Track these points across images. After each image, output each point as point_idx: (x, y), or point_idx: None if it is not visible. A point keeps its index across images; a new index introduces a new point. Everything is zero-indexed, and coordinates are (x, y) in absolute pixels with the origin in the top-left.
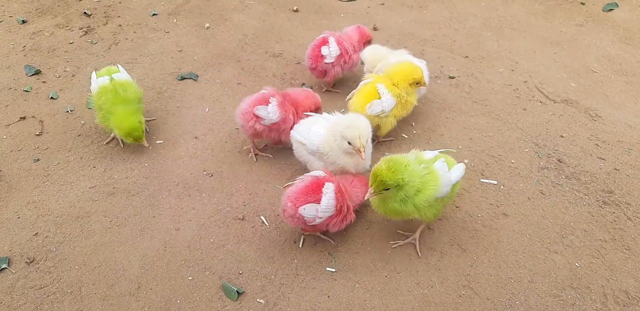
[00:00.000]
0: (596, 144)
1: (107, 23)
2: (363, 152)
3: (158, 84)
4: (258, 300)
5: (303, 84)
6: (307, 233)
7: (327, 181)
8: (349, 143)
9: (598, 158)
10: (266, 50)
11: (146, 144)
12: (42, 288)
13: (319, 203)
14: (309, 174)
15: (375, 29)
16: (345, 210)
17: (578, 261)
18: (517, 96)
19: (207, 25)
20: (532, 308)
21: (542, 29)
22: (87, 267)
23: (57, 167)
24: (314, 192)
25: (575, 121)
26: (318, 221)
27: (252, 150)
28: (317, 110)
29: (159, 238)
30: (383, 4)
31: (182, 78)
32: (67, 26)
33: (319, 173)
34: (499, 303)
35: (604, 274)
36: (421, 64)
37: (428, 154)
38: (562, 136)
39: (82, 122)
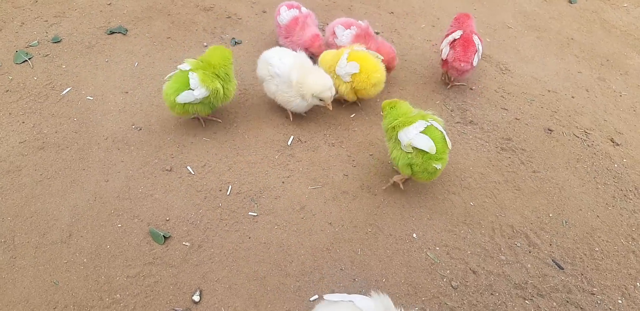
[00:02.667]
0: (502, 96)
1: None
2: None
3: (87, 39)
4: (184, 243)
5: (233, 38)
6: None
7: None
8: (320, 99)
9: (502, 108)
10: (197, 4)
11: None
12: None
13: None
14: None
15: None
16: None
17: (473, 200)
18: (434, 51)
19: None
20: (427, 242)
21: None
22: (19, 218)
23: None
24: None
25: (485, 75)
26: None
27: None
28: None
29: (89, 189)
30: None
31: (111, 32)
32: None
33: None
34: (399, 238)
35: (495, 211)
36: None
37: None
38: (471, 89)
39: (10, 77)
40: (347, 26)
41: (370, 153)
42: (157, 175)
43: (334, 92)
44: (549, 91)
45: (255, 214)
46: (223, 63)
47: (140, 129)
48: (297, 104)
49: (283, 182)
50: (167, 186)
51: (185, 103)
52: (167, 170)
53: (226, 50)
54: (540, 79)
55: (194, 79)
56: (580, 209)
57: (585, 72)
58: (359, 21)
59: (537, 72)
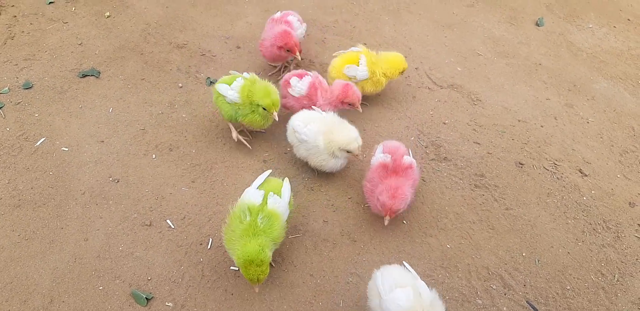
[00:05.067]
0: (474, 129)
1: (0, 14)
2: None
3: (59, 83)
4: (167, 303)
5: (208, 77)
6: None
7: None
8: (348, 151)
9: (474, 142)
10: (170, 41)
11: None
12: None
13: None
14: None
15: None
16: None
17: (449, 243)
18: (408, 84)
19: (108, 13)
20: None
21: (436, 11)
22: None
23: None
24: None
25: (457, 107)
26: None
27: None
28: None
29: (68, 249)
30: None
31: (84, 75)
32: None
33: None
34: None
35: (470, 253)
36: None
37: (254, 197)
38: (444, 123)
39: None
40: (385, 149)
41: (349, 196)
42: (136, 231)
43: (360, 142)
44: (519, 120)
45: (237, 268)
46: (258, 98)
47: (118, 181)
48: (332, 164)
49: None
50: (147, 243)
51: (220, 96)
52: (146, 225)
53: (273, 98)
54: (510, 108)
55: (238, 82)
56: (552, 247)
57: (554, 99)
58: (407, 157)
59: (507, 101)
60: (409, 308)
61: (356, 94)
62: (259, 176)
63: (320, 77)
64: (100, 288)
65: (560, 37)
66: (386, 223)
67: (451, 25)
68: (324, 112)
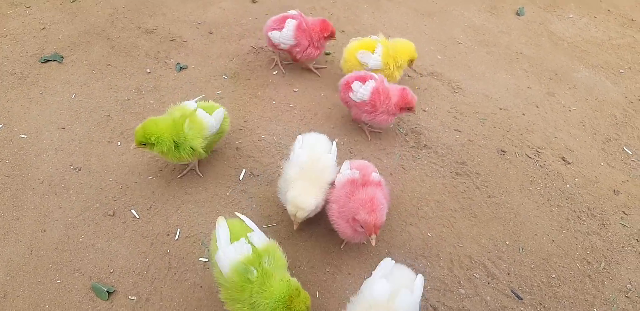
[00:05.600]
0: (454, 117)
1: None
2: (295, 225)
3: (19, 69)
4: (130, 297)
5: (178, 63)
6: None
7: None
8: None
9: (455, 130)
10: (138, 26)
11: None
12: None
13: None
14: None
15: (254, 1)
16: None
17: (430, 231)
18: None
19: None
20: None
21: None
22: None
23: None
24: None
25: (438, 95)
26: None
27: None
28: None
29: (24, 241)
30: None
31: (46, 60)
32: None
33: None
34: (358, 276)
35: (452, 241)
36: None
37: (240, 252)
38: (424, 111)
39: None
40: (353, 166)
41: None
42: (98, 221)
43: (300, 216)
44: (500, 109)
45: (206, 260)
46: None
47: (80, 170)
48: (279, 182)
49: None
50: (110, 233)
51: None
52: (109, 215)
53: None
54: (491, 96)
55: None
56: (536, 234)
57: (535, 88)
58: (375, 174)
59: (488, 89)
60: (376, 299)
61: (415, 97)
62: (220, 235)
63: (385, 82)
64: (58, 281)
65: (540, 26)
66: (374, 243)
67: (431, 14)
68: (335, 152)
